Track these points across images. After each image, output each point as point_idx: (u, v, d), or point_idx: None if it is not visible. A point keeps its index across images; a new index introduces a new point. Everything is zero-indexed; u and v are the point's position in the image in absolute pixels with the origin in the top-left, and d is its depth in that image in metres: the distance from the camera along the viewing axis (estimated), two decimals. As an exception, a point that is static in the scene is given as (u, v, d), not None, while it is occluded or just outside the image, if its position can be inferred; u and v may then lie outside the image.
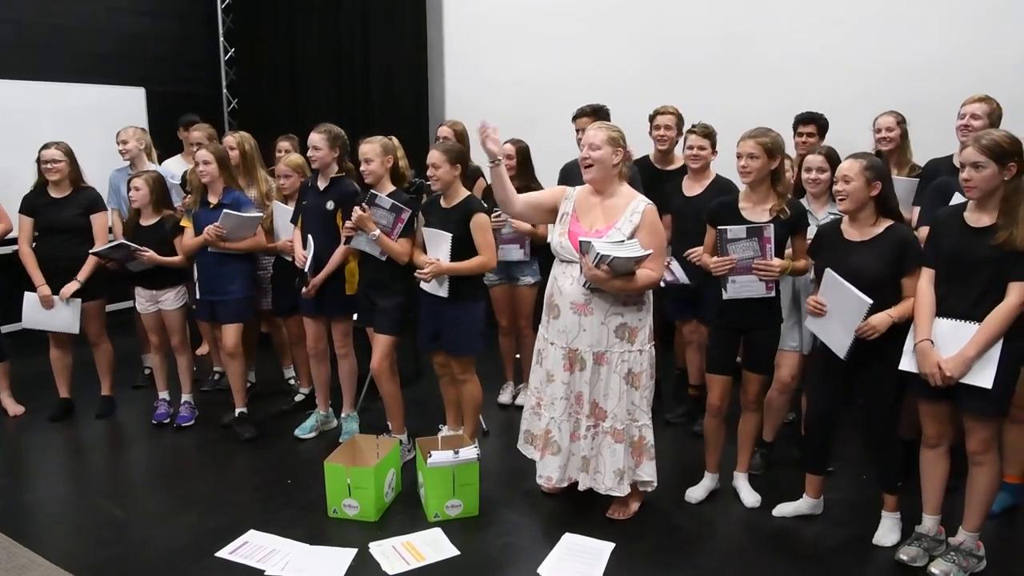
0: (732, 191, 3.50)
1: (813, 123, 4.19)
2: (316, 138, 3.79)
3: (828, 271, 2.94)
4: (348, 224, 3.60)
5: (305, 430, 4.17)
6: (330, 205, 3.79)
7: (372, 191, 3.59)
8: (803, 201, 3.52)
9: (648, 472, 3.17)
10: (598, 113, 4.15)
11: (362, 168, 3.63)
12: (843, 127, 4.24)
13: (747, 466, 3.47)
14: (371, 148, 3.60)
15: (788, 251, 3.17)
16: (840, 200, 2.91)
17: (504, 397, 4.68)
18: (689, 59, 5.22)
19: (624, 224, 2.99)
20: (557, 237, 3.10)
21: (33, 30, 5.92)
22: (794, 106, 4.31)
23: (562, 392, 3.12)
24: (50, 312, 4.17)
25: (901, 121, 3.86)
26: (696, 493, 3.45)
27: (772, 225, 3.06)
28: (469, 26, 6.22)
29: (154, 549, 3.09)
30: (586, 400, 3.09)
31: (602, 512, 3.28)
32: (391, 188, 3.67)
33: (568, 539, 3.12)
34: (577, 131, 4.18)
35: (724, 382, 3.33)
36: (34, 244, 4.23)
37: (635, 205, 3.01)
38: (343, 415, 4.18)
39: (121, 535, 3.21)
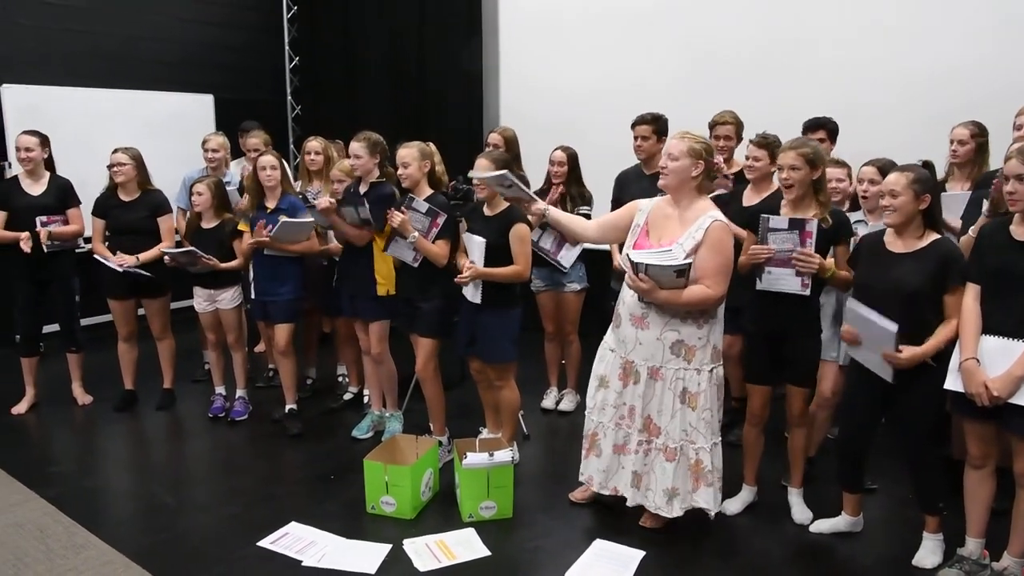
0: None
1: (822, 128, 4.10)
2: (356, 147, 3.92)
3: (850, 302, 2.91)
4: (394, 221, 3.64)
5: (362, 430, 4.29)
6: (363, 212, 3.88)
7: (410, 194, 3.69)
8: (859, 213, 3.48)
9: (705, 499, 3.08)
10: (657, 121, 4.16)
11: (400, 172, 3.73)
12: (887, 134, 4.16)
13: (800, 482, 3.40)
14: (408, 153, 3.71)
15: (830, 259, 3.12)
16: (887, 214, 2.86)
17: (547, 402, 4.72)
18: (734, 64, 5.19)
19: (687, 239, 2.92)
20: (624, 249, 3.11)
21: (108, 41, 6.24)
22: (835, 112, 4.22)
23: (613, 400, 3.14)
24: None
25: (977, 133, 3.64)
26: (733, 506, 3.42)
27: (815, 220, 3.01)
28: (523, 35, 6.30)
29: (200, 537, 3.24)
30: (639, 415, 3.08)
31: (635, 521, 3.28)
32: (429, 192, 3.76)
33: (598, 545, 3.14)
34: (635, 138, 4.18)
35: (764, 392, 3.30)
36: (106, 244, 4.47)
37: (703, 221, 2.92)
38: (386, 414, 4.29)
39: (171, 522, 3.38)
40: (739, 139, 4.19)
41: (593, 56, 5.85)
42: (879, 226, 3.34)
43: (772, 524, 3.34)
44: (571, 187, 4.47)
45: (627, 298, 3.07)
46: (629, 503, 3.19)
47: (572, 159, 4.48)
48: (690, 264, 2.86)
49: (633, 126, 4.21)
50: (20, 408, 4.63)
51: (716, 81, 5.19)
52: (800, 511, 3.34)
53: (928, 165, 2.89)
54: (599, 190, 4.47)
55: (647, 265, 2.85)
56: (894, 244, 2.90)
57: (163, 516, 3.41)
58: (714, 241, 2.90)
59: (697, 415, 3.01)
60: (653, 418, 3.06)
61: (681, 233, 2.95)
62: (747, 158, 3.78)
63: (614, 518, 3.30)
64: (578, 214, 4.39)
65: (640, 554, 3.07)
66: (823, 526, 3.24)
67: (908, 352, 2.74)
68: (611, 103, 5.44)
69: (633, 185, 4.26)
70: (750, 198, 3.85)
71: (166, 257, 4.31)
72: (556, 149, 4.50)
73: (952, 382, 2.73)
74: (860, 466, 3.13)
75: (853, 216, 3.47)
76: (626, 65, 5.67)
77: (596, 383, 3.24)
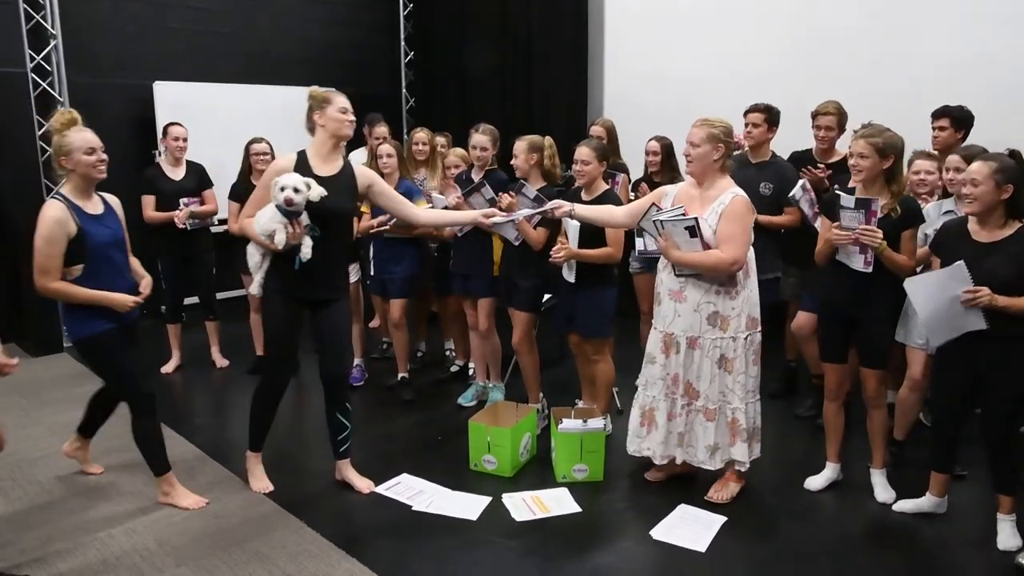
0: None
1: (946, 117, 4.05)
2: (482, 140, 4.23)
3: (908, 282, 3.04)
4: (501, 204, 3.92)
5: (467, 399, 4.65)
6: (488, 194, 4.17)
7: (522, 180, 3.98)
8: (950, 200, 3.52)
9: (740, 452, 3.32)
10: (770, 111, 4.28)
11: (512, 163, 4.03)
12: (992, 125, 4.10)
13: (882, 462, 3.50)
14: (519, 145, 4.02)
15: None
16: (967, 203, 2.93)
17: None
18: (840, 53, 5.21)
19: (711, 215, 3.17)
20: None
21: (245, 41, 6.85)
22: (942, 101, 4.19)
23: (659, 373, 3.39)
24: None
25: None
26: (815, 482, 3.55)
27: (880, 201, 3.11)
28: (628, 24, 6.47)
29: (323, 480, 3.66)
30: (680, 381, 3.33)
31: (719, 490, 3.48)
32: (541, 184, 4.04)
33: (683, 509, 3.36)
34: (746, 125, 4.31)
35: (838, 370, 3.43)
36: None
37: (724, 196, 3.18)
38: (490, 384, 4.62)
39: (298, 468, 3.83)
40: (841, 130, 4.25)
41: (699, 44, 5.98)
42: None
43: (854, 502, 3.45)
44: (665, 177, 4.64)
45: (664, 277, 3.33)
46: (678, 460, 3.43)
47: (666, 149, 4.66)
48: (696, 219, 3.09)
49: (746, 113, 4.33)
50: (168, 368, 5.26)
51: (822, 70, 5.21)
52: (883, 491, 3.44)
53: (1015, 155, 2.91)
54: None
55: (662, 221, 3.13)
56: (979, 233, 2.96)
57: (291, 463, 3.86)
58: (732, 212, 3.15)
59: (733, 378, 3.27)
60: (692, 383, 3.31)
61: (704, 210, 3.19)
62: (850, 155, 3.84)
63: (698, 487, 3.50)
64: None
65: (722, 519, 3.27)
66: (906, 506, 3.33)
67: (986, 291, 2.82)
68: (715, 92, 5.53)
69: (739, 172, 4.35)
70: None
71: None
72: (651, 139, 4.69)
73: None
74: (951, 447, 3.20)
75: (945, 205, 3.52)
76: (731, 53, 5.77)
77: (645, 360, 3.49)
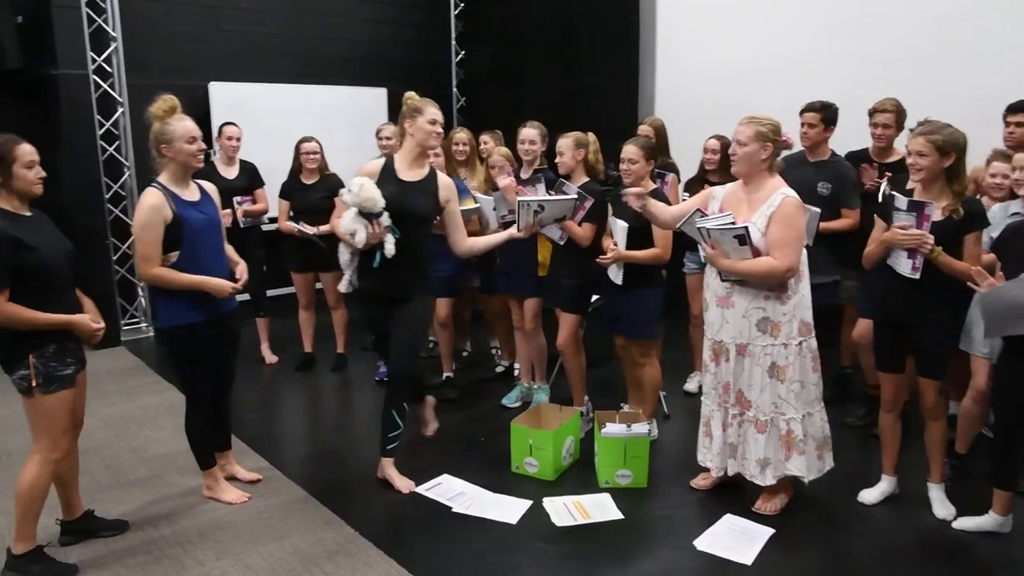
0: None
1: (1022, 112, 3.81)
2: (531, 134, 4.20)
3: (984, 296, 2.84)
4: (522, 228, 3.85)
5: (511, 400, 4.62)
6: (540, 188, 4.13)
7: (561, 179, 3.93)
8: (1018, 202, 3.33)
9: (798, 466, 3.16)
10: (826, 109, 4.14)
11: (556, 160, 3.98)
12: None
13: (940, 476, 3.34)
14: (565, 142, 3.95)
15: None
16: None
17: (690, 385, 4.82)
18: (899, 48, 5.00)
19: (759, 218, 3.03)
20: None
21: (298, 42, 6.93)
22: (1010, 97, 3.94)
23: (711, 382, 3.29)
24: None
25: None
26: (870, 496, 3.41)
27: (932, 203, 2.96)
28: (680, 18, 6.35)
29: (365, 477, 3.66)
30: (732, 390, 3.21)
31: (768, 500, 3.37)
32: (584, 180, 3.98)
33: (729, 519, 3.26)
34: (802, 124, 4.17)
35: (895, 380, 3.27)
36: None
37: (774, 198, 3.04)
38: (534, 386, 4.57)
39: (340, 464, 3.86)
40: (900, 128, 4.08)
41: (752, 39, 5.82)
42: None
43: (911, 516, 3.30)
44: (722, 177, 4.52)
45: (711, 282, 3.20)
46: (730, 472, 3.31)
47: (725, 148, 4.53)
48: (746, 228, 2.95)
49: (801, 113, 4.19)
50: (219, 363, 5.34)
51: (882, 65, 5.02)
52: (941, 506, 3.28)
53: None
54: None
55: (708, 230, 2.99)
56: None
57: (334, 458, 3.89)
58: (784, 215, 3.00)
59: (786, 387, 3.11)
60: (744, 392, 3.17)
61: (753, 213, 3.05)
62: (908, 154, 3.68)
63: (745, 497, 3.39)
64: None
65: (770, 531, 3.16)
66: (967, 523, 3.17)
67: None
68: (770, 88, 5.40)
69: (795, 171, 4.22)
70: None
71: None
72: (711, 137, 4.56)
73: None
74: (1014, 463, 3.04)
75: (1012, 206, 3.34)
76: (784, 48, 5.60)
77: (705, 370, 3.37)
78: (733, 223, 3.02)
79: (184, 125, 3.10)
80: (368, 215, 3.27)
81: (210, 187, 3.36)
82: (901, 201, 3.02)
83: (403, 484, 3.54)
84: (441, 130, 3.45)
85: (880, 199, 3.70)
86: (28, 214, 2.82)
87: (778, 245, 2.99)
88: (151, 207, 3.03)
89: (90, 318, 2.87)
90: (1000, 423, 3.08)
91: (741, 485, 3.43)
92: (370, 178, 3.36)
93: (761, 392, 3.13)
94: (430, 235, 3.55)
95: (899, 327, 3.18)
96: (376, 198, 3.26)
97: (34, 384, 2.73)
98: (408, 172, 3.43)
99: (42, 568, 2.87)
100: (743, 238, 2.96)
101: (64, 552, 3.04)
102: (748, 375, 3.15)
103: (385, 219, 3.31)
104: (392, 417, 3.50)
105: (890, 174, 3.99)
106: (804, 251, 3.11)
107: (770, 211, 3.03)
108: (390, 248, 3.31)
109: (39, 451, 2.83)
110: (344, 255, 3.47)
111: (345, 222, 3.33)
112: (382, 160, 3.48)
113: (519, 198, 3.64)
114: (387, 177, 3.38)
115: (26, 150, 2.75)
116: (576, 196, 3.80)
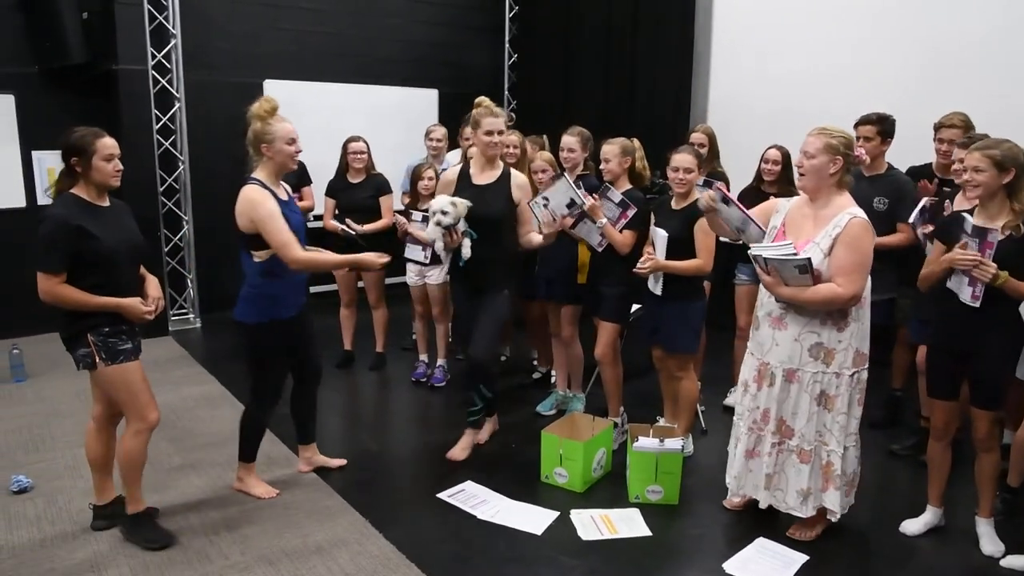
0: None
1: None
2: (571, 141, 4.15)
3: None
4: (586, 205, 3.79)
5: (546, 407, 4.56)
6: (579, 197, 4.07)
7: (605, 184, 3.86)
8: None
9: (833, 501, 3.02)
10: (883, 122, 3.99)
11: (601, 167, 3.92)
12: None
13: (990, 510, 3.17)
14: (611, 149, 3.89)
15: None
16: None
17: (730, 400, 4.69)
18: (961, 59, 4.78)
19: (823, 239, 2.85)
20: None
21: (352, 42, 6.98)
22: None
23: (749, 404, 3.13)
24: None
25: None
26: (913, 527, 3.25)
27: (997, 231, 2.80)
28: (736, 24, 6.19)
29: (393, 480, 3.67)
30: (772, 417, 3.04)
31: (802, 525, 3.24)
32: (628, 187, 3.91)
33: (761, 542, 3.15)
34: (858, 138, 3.97)
35: (947, 408, 3.11)
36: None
37: (840, 218, 2.84)
38: (570, 395, 4.51)
39: (372, 464, 3.85)
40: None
41: (809, 47, 5.64)
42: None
43: (955, 551, 3.13)
44: (782, 189, 4.39)
45: (765, 300, 3.04)
46: (762, 505, 3.16)
47: (786, 158, 4.40)
48: (809, 260, 2.77)
49: (856, 126, 4.02)
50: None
51: (948, 76, 4.80)
52: (990, 542, 3.11)
53: None
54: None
55: (766, 259, 2.84)
56: None
57: (367, 459, 3.89)
58: (851, 238, 2.80)
59: (832, 417, 2.96)
60: (787, 420, 3.01)
61: (817, 232, 2.87)
62: (964, 169, 3.52)
63: (780, 520, 3.26)
64: None
65: (804, 558, 3.04)
66: (1016, 562, 3.00)
67: None
68: (827, 97, 5.23)
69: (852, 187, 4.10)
70: (961, 203, 3.61)
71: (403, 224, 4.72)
72: (771, 147, 4.40)
73: None
74: None
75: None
76: (844, 56, 5.40)
77: (742, 389, 3.23)
78: (795, 253, 2.83)
79: (285, 127, 3.19)
80: (445, 227, 3.60)
81: (289, 191, 3.49)
82: (968, 223, 2.87)
83: (459, 452, 3.86)
84: (498, 139, 3.65)
85: (934, 217, 3.54)
86: (104, 204, 2.93)
87: (843, 271, 2.80)
88: (266, 196, 3.13)
89: (140, 301, 2.93)
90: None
91: (775, 508, 3.31)
92: (448, 186, 3.75)
93: (808, 421, 2.98)
94: (511, 232, 3.74)
95: (956, 353, 3.01)
96: (447, 208, 3.57)
97: (98, 359, 2.87)
98: (481, 176, 3.72)
99: (147, 529, 3.08)
100: (804, 267, 2.79)
101: (96, 537, 3.11)
102: (795, 402, 3.00)
103: (462, 225, 3.62)
104: (471, 398, 3.84)
105: (936, 191, 3.83)
106: (869, 277, 2.91)
107: (836, 232, 2.83)
108: (466, 252, 3.63)
109: (129, 422, 2.99)
110: (416, 254, 3.99)
111: (427, 232, 3.73)
112: (458, 168, 3.83)
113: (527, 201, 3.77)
114: (463, 183, 3.73)
115: (107, 143, 2.86)
116: (620, 206, 3.76)
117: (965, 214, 2.94)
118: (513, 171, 3.75)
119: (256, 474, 3.54)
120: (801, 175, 2.96)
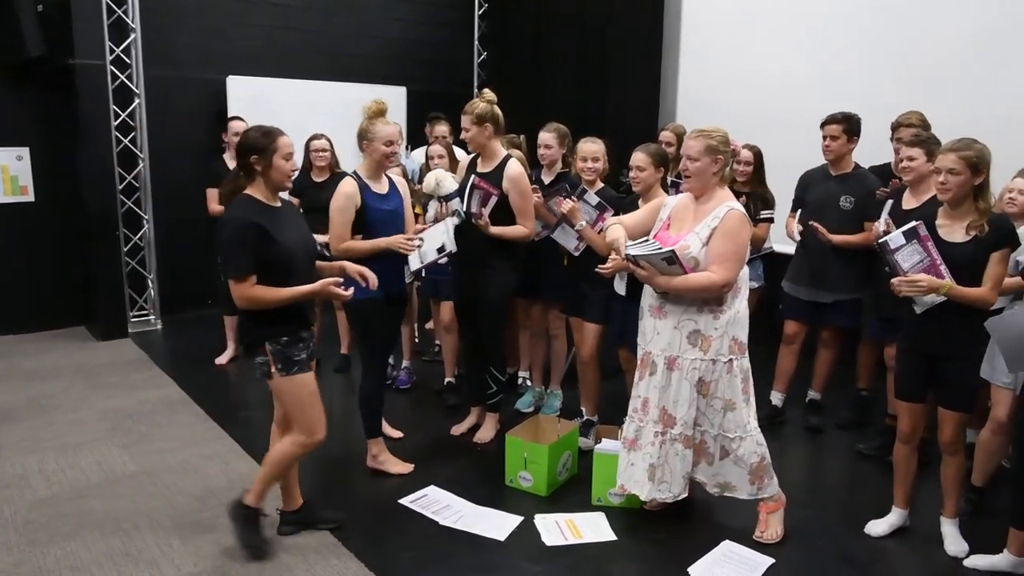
0: None
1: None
2: (548, 137, 4.10)
3: (988, 322, 2.68)
4: (564, 208, 3.78)
5: (524, 404, 4.52)
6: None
7: (583, 187, 3.82)
8: None
9: (741, 492, 3.11)
10: (848, 121, 3.98)
11: (584, 166, 3.88)
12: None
13: (955, 511, 3.17)
14: (597, 148, 3.89)
15: (947, 281, 2.83)
16: None
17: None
18: (930, 61, 4.79)
19: (703, 228, 2.93)
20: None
21: (321, 38, 6.85)
22: None
23: (632, 394, 3.19)
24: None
25: None
26: (878, 527, 3.24)
27: (922, 222, 2.83)
28: (705, 24, 6.17)
29: (354, 486, 3.58)
30: (653, 406, 3.07)
31: (769, 526, 3.22)
32: (600, 186, 3.89)
33: (726, 546, 3.12)
34: (824, 137, 4.02)
35: (914, 411, 3.09)
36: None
37: (719, 210, 2.93)
38: (548, 391, 4.47)
39: (332, 469, 3.76)
40: None
41: (779, 47, 5.63)
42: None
43: (920, 551, 3.13)
44: (755, 189, 4.37)
45: (647, 291, 3.09)
46: (644, 498, 3.16)
47: (758, 158, 4.38)
48: (673, 251, 2.84)
49: (822, 125, 4.04)
50: (222, 359, 5.30)
51: (923, 78, 4.79)
52: (954, 542, 3.10)
53: None
54: (787, 187, 4.35)
55: (636, 257, 2.92)
56: None
57: (326, 464, 3.79)
58: (726, 229, 2.90)
59: (707, 403, 3.02)
60: (668, 409, 3.04)
61: (697, 224, 2.95)
62: (906, 158, 3.53)
63: (747, 523, 3.23)
64: (759, 219, 4.31)
65: (769, 561, 3.01)
66: (980, 562, 2.99)
67: None
68: (796, 97, 5.23)
69: (818, 186, 4.11)
70: (909, 201, 3.62)
71: None
72: (743, 147, 4.39)
73: None
74: None
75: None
76: (812, 57, 5.40)
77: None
78: (659, 248, 2.90)
79: (386, 130, 3.43)
80: (440, 198, 3.84)
81: (399, 181, 3.68)
82: (896, 237, 2.88)
83: (484, 435, 4.06)
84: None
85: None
86: (277, 204, 2.89)
87: (718, 259, 2.89)
88: (346, 195, 3.40)
89: (333, 281, 2.85)
90: (1020, 460, 2.89)
91: (741, 508, 3.28)
92: (462, 170, 3.98)
93: (689, 407, 3.01)
94: (507, 217, 3.75)
95: (926, 355, 3.00)
96: (440, 182, 3.85)
97: (274, 368, 2.84)
98: (484, 165, 3.83)
99: (251, 530, 2.99)
100: (671, 259, 2.86)
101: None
102: (676, 390, 3.03)
103: (455, 204, 3.78)
104: (485, 381, 4.02)
105: (886, 190, 3.84)
106: (745, 267, 3.01)
107: (715, 223, 2.92)
108: (450, 234, 3.66)
109: (296, 432, 2.96)
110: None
111: (429, 214, 3.99)
112: (469, 157, 4.00)
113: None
114: (470, 169, 3.88)
115: (287, 141, 2.85)
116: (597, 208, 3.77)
117: (886, 240, 2.93)
118: (509, 162, 3.75)
119: (388, 451, 3.71)
120: (687, 178, 3.00)
